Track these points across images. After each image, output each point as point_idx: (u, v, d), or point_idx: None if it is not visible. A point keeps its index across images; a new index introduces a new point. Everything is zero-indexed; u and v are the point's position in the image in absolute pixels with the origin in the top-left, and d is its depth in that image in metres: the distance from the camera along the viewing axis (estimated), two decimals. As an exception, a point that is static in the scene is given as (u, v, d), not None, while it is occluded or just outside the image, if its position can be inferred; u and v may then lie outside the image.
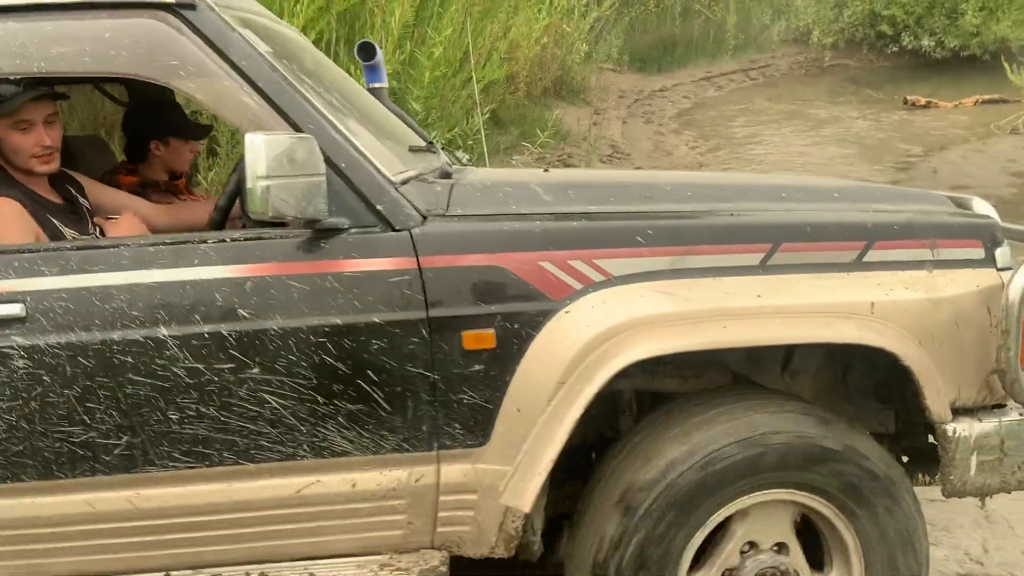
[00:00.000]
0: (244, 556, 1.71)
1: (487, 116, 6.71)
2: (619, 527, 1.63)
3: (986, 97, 8.79)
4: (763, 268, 1.67)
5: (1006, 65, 8.19)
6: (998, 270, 1.72)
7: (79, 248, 1.65)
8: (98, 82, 2.66)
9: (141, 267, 1.61)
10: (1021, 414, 1.74)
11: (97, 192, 2.11)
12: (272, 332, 1.60)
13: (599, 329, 1.60)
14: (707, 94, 11.12)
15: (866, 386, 1.85)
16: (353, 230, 1.64)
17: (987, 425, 1.69)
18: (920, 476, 1.91)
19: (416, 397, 1.64)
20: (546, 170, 2.23)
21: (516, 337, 1.63)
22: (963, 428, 1.67)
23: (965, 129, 8.04)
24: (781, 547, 1.73)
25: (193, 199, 2.65)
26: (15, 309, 1.57)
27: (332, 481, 1.66)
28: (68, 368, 1.58)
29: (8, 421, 1.58)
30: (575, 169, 2.37)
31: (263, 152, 1.47)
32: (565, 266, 1.64)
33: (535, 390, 1.62)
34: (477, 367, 1.63)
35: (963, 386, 1.70)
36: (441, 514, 1.70)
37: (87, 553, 1.67)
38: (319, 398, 1.62)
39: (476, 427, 1.65)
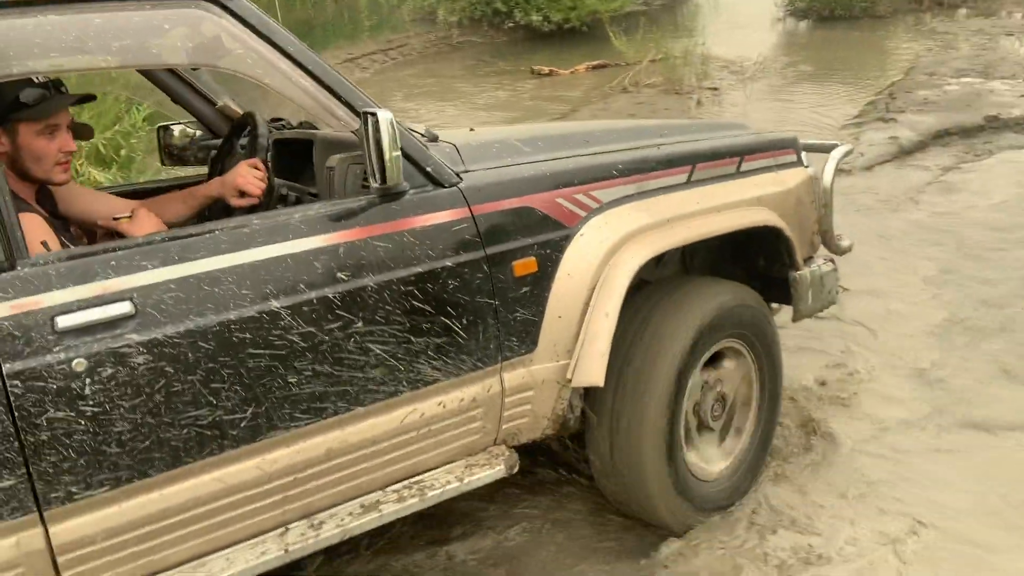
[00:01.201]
0: (352, 493, 1.91)
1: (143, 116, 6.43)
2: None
3: (594, 63, 10.53)
4: (689, 183, 2.32)
5: (611, 33, 9.94)
6: (806, 167, 2.60)
7: (174, 239, 1.68)
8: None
9: (240, 248, 1.72)
10: (824, 261, 2.64)
11: (67, 198, 2.00)
12: (369, 288, 1.83)
13: (609, 243, 2.10)
14: (354, 76, 11.55)
15: (739, 255, 2.61)
16: (411, 191, 1.92)
17: (813, 270, 2.56)
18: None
19: (484, 322, 1.99)
20: (471, 129, 2.61)
21: (550, 260, 2.07)
22: (806, 273, 2.51)
23: (589, 90, 9.54)
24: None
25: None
26: (125, 307, 1.59)
27: (426, 407, 1.95)
28: (189, 354, 1.64)
29: (133, 419, 1.60)
30: (519, 125, 2.70)
31: (395, 128, 1.70)
32: (572, 199, 2.11)
33: (571, 298, 2.08)
34: (525, 289, 2.04)
35: (803, 245, 2.55)
36: (505, 413, 2.09)
37: (216, 529, 1.74)
38: (412, 338, 1.89)
39: (528, 337, 2.06)
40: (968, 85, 8.41)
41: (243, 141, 2.43)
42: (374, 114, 1.73)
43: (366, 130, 1.79)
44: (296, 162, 2.32)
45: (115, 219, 2.00)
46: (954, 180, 5.52)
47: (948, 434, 2.75)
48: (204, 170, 2.91)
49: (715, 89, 8.38)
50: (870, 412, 2.88)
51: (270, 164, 2.08)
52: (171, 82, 2.74)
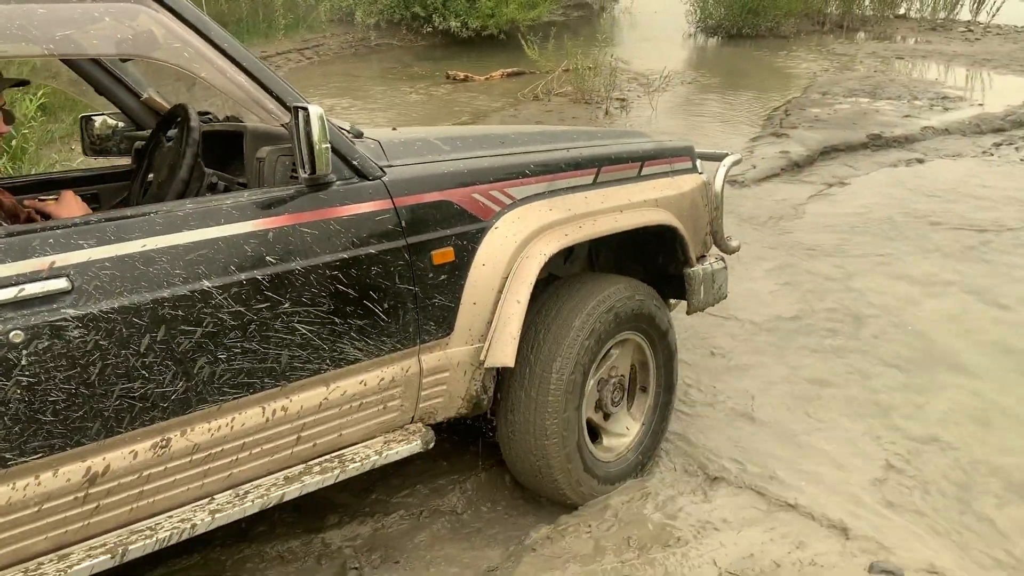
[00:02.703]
0: (276, 466, 2.03)
1: (37, 105, 6.28)
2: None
3: (510, 70, 10.79)
4: (595, 184, 2.52)
5: (524, 43, 10.21)
6: (700, 173, 2.85)
7: (110, 219, 1.76)
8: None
9: (174, 230, 1.81)
10: (714, 260, 2.90)
11: None
12: (296, 271, 1.95)
13: (521, 236, 2.29)
14: (270, 72, 11.45)
15: (640, 254, 2.84)
16: (338, 183, 2.06)
17: (706, 268, 2.81)
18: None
19: (404, 306, 2.14)
20: (394, 128, 2.75)
21: (466, 251, 2.23)
22: (699, 270, 2.76)
23: (500, 97, 9.75)
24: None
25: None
26: (61, 283, 1.67)
27: (348, 385, 2.08)
28: (123, 329, 1.73)
29: (67, 389, 1.68)
30: (439, 127, 2.81)
31: (324, 122, 1.83)
32: (488, 195, 2.28)
33: (485, 286, 2.25)
34: (443, 277, 2.20)
35: (696, 245, 2.80)
36: (423, 393, 2.24)
37: (146, 497, 1.83)
38: (336, 319, 2.03)
39: (444, 322, 2.22)
40: (857, 104, 9.05)
41: (171, 133, 2.50)
42: (305, 108, 1.86)
43: (296, 123, 1.92)
44: (225, 153, 2.41)
45: (41, 199, 2.06)
46: (834, 192, 6.00)
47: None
48: (126, 161, 2.96)
49: (623, 100, 8.74)
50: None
51: (200, 155, 2.17)
52: (96, 72, 2.78)
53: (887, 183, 6.22)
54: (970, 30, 14.26)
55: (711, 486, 2.63)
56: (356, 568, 2.37)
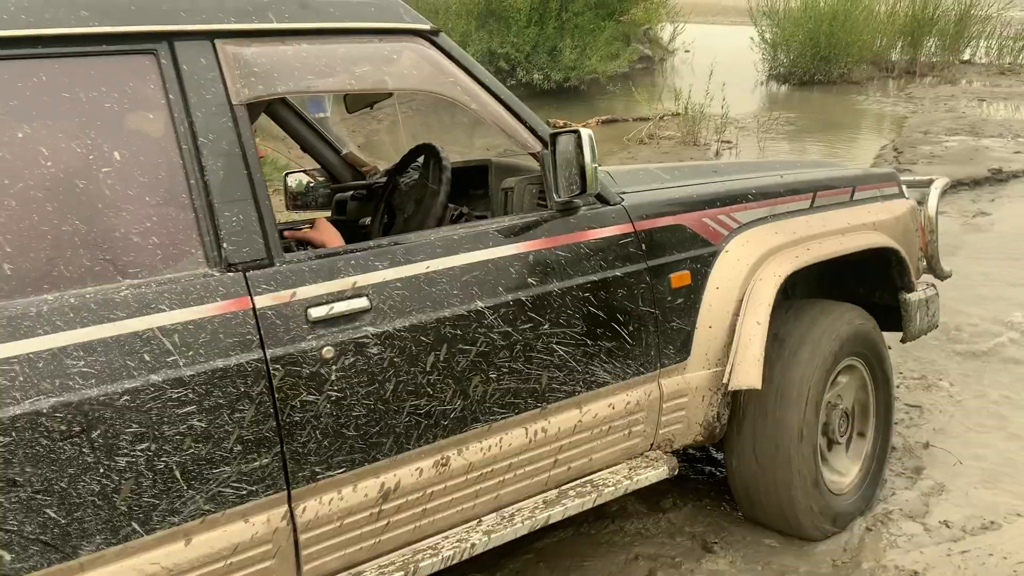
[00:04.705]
0: (533, 489, 2.03)
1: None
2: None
3: (603, 117, 10.94)
4: (812, 208, 2.51)
5: (623, 89, 10.35)
6: (907, 198, 2.81)
7: (397, 243, 1.83)
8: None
9: (452, 252, 1.87)
10: (927, 286, 2.83)
11: None
12: (554, 293, 1.98)
13: (753, 259, 2.28)
14: (368, 127, 11.87)
15: (837, 283, 2.80)
16: (584, 208, 2.10)
17: (921, 294, 2.75)
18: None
19: (647, 329, 2.15)
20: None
21: (700, 274, 2.24)
22: (916, 295, 2.70)
23: (606, 142, 9.85)
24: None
25: None
26: (362, 303, 1.73)
27: (599, 408, 2.09)
28: (412, 347, 1.78)
29: (367, 405, 1.72)
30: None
31: (593, 143, 1.89)
32: (716, 220, 2.30)
33: (720, 309, 2.25)
34: (680, 300, 2.20)
35: (912, 269, 2.74)
36: (662, 418, 2.23)
37: (428, 516, 1.85)
38: (588, 341, 2.04)
39: (683, 346, 2.22)
40: (964, 142, 8.90)
41: (406, 176, 2.63)
42: (576, 132, 1.92)
43: (553, 150, 1.98)
44: (453, 189, 2.49)
45: (294, 227, 2.16)
46: (978, 222, 5.88)
47: None
48: (326, 213, 3.10)
49: (728, 142, 8.74)
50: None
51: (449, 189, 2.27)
52: (303, 131, 2.95)
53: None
54: None
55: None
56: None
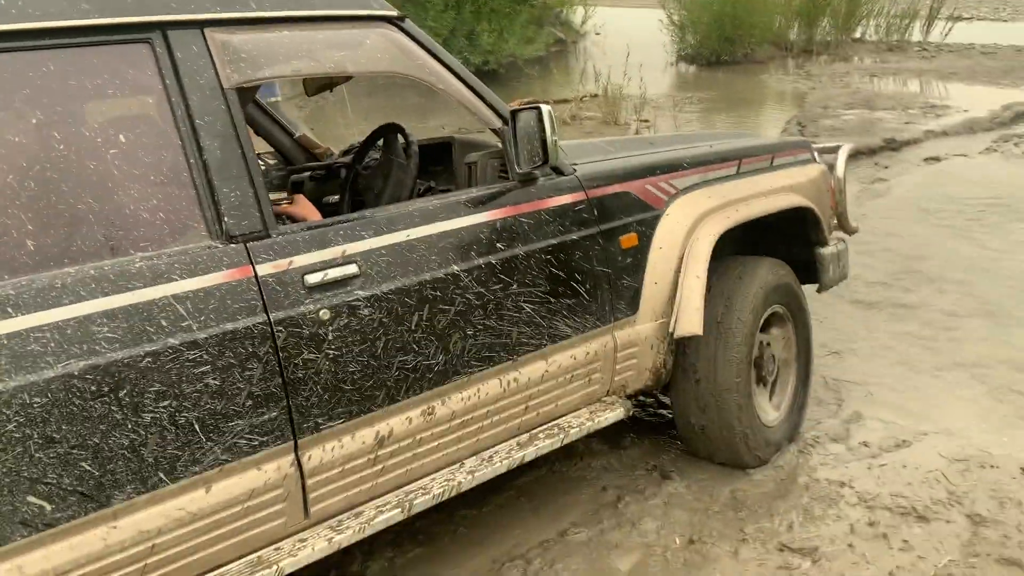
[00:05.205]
0: (511, 432, 2.24)
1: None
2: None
3: (524, 100, 11.12)
4: (739, 175, 2.79)
5: (554, 71, 10.59)
6: (819, 163, 3.13)
7: (378, 213, 2.00)
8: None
9: (429, 221, 2.05)
10: (837, 241, 3.15)
11: None
12: (520, 256, 2.19)
13: (690, 221, 2.54)
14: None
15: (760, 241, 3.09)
16: (541, 178, 2.31)
17: (833, 248, 3.07)
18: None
19: (601, 287, 2.38)
20: None
21: (645, 236, 2.48)
22: (829, 249, 3.03)
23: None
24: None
25: None
26: (352, 269, 1.90)
27: (562, 359, 2.31)
28: (399, 308, 1.95)
29: (361, 361, 1.90)
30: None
31: (552, 118, 2.09)
32: (658, 186, 2.54)
33: (664, 267, 2.49)
34: (629, 260, 2.44)
35: (826, 226, 3.06)
36: (617, 366, 2.47)
37: (418, 459, 2.04)
38: (551, 299, 2.26)
39: (632, 301, 2.46)
40: (860, 115, 9.53)
41: (371, 155, 2.77)
42: (537, 107, 2.12)
43: (514, 125, 2.18)
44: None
45: (275, 203, 2.28)
46: (878, 187, 6.40)
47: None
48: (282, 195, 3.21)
49: (646, 121, 9.09)
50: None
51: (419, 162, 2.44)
52: (256, 115, 3.05)
53: (922, 178, 6.63)
54: (925, 49, 15.00)
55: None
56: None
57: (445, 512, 2.52)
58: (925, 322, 3.93)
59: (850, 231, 3.23)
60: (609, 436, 2.95)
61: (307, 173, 3.11)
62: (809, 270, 3.05)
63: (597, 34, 15.45)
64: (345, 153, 3.02)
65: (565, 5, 15.41)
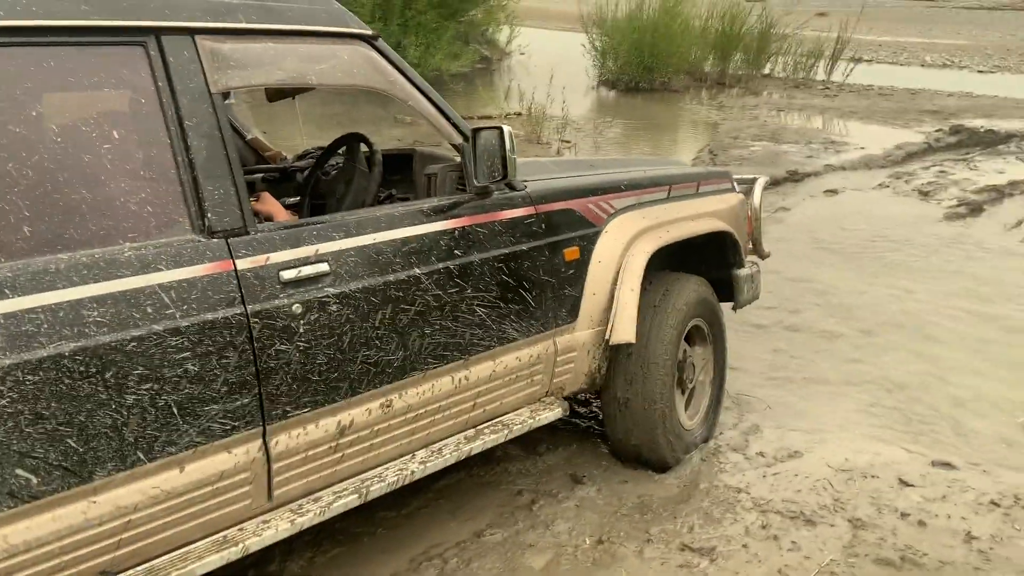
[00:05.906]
0: (460, 427, 2.40)
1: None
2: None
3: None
4: (669, 199, 3.05)
5: (479, 87, 10.77)
6: (737, 192, 3.43)
7: (349, 217, 2.13)
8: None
9: (394, 227, 2.20)
10: (751, 265, 3.45)
11: None
12: (474, 263, 2.36)
13: (626, 238, 2.77)
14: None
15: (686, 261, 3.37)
16: (496, 193, 2.49)
17: (748, 270, 3.37)
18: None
19: (545, 295, 2.57)
20: None
21: (587, 250, 2.70)
22: (744, 271, 3.32)
23: (448, 139, 10.22)
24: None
25: None
26: (323, 267, 2.03)
27: (509, 360, 2.49)
28: (364, 306, 2.09)
29: (327, 354, 2.02)
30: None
31: (512, 138, 2.27)
32: (599, 205, 2.76)
33: (601, 279, 2.71)
34: (571, 271, 2.65)
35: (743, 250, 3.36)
36: (557, 369, 2.66)
37: (375, 449, 2.17)
38: (501, 304, 2.44)
39: (572, 309, 2.67)
40: (766, 147, 10.13)
41: (332, 161, 2.88)
42: (499, 128, 2.30)
43: (475, 142, 2.35)
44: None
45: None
46: (780, 216, 6.86)
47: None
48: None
49: (568, 142, 9.42)
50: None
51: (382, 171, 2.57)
52: None
53: (818, 209, 7.16)
54: (828, 87, 16.00)
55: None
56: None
57: (365, 513, 2.62)
58: (810, 342, 4.32)
59: (763, 256, 3.55)
60: (526, 443, 3.12)
61: (259, 175, 3.19)
62: (726, 289, 3.34)
63: (522, 54, 15.80)
64: (300, 158, 3.13)
65: (491, 24, 15.71)
